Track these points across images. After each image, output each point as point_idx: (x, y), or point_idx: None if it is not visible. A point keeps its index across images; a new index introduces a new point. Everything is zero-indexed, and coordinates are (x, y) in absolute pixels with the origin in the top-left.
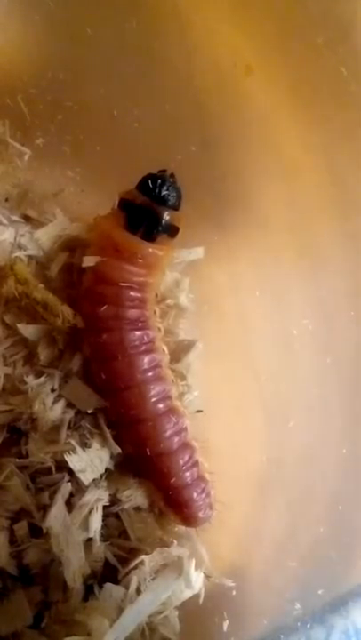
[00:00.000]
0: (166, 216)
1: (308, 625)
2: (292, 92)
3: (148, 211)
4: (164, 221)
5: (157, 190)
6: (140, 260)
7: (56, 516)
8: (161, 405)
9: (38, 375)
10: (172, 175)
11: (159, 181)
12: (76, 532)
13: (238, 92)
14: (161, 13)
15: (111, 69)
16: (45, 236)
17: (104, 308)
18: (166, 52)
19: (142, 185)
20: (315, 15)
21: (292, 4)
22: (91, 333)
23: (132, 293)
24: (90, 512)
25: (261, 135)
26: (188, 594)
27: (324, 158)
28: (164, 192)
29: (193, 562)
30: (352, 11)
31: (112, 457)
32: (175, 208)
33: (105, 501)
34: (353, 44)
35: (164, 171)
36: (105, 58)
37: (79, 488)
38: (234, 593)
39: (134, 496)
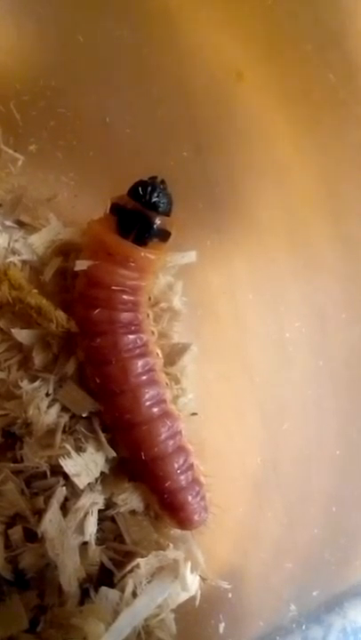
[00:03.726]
0: (157, 221)
1: (304, 626)
2: (283, 98)
3: (139, 216)
4: (155, 226)
5: (148, 197)
6: (132, 264)
7: (51, 521)
8: (155, 409)
9: (33, 380)
10: (163, 181)
11: (149, 188)
12: (71, 536)
13: (230, 98)
14: (152, 20)
15: (103, 76)
16: (39, 241)
17: (97, 311)
18: (158, 58)
19: (133, 191)
20: (304, 23)
21: (283, 12)
22: (84, 337)
23: (124, 297)
24: (85, 516)
25: (253, 139)
26: (184, 596)
27: (316, 161)
28: (154, 198)
29: (189, 564)
30: (341, 19)
31: (107, 461)
32: (166, 213)
33: (100, 505)
34: (342, 52)
35: (155, 177)
36: (97, 65)
37: (74, 492)
38: (230, 595)
39: (130, 499)
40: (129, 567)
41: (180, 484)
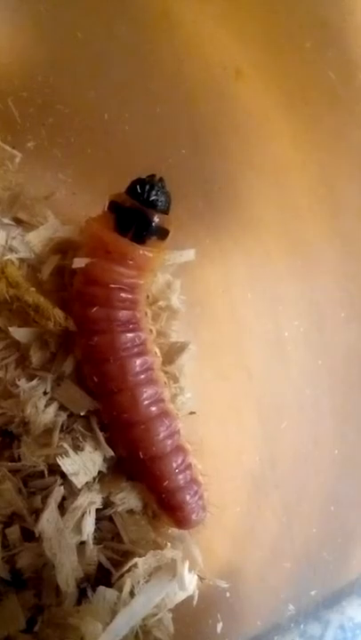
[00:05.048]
0: (156, 219)
1: (302, 626)
2: (282, 95)
3: (137, 214)
4: (153, 224)
5: (146, 195)
6: (130, 262)
7: (48, 520)
8: (153, 408)
9: (30, 378)
10: (161, 179)
11: (147, 186)
12: (68, 535)
13: (228, 95)
14: (151, 17)
15: (101, 73)
16: (37, 239)
17: (95, 309)
18: (156, 55)
19: (131, 189)
20: (303, 21)
21: (281, 10)
22: (82, 335)
23: (122, 295)
24: (82, 515)
25: (252, 137)
26: (181, 596)
27: (315, 160)
28: (152, 197)
29: (187, 564)
30: (340, 17)
31: (105, 460)
32: (164, 212)
33: (98, 504)
34: (341, 50)
35: (153, 175)
36: (95, 61)
37: (72, 491)
38: (228, 594)
39: (127, 499)
40: (127, 567)
41: (178, 483)
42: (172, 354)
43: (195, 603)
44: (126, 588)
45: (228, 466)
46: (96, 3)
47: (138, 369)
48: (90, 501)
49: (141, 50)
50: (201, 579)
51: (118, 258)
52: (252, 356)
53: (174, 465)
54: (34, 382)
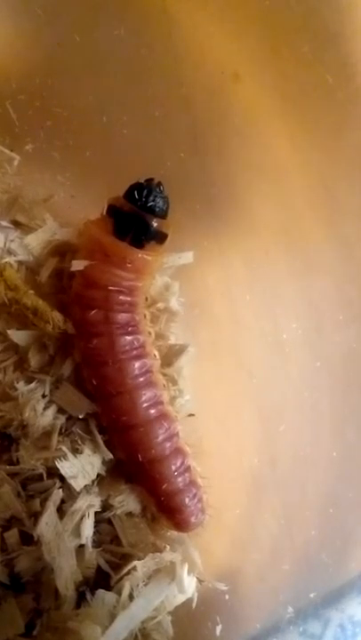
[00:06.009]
0: (154, 224)
1: (302, 625)
2: (280, 98)
3: (135, 218)
4: (151, 229)
5: (144, 200)
6: (128, 265)
7: (47, 523)
8: (152, 411)
9: (29, 381)
10: (159, 184)
11: (145, 191)
12: (67, 538)
13: (227, 99)
14: (149, 20)
15: (100, 76)
16: (35, 242)
17: (94, 312)
18: (155, 58)
19: (129, 194)
20: (301, 24)
21: (279, 14)
22: (81, 338)
23: (121, 297)
24: (81, 518)
25: (250, 140)
26: (180, 599)
27: (314, 162)
28: (150, 202)
29: (186, 566)
30: (338, 21)
31: (104, 462)
32: (162, 216)
33: (97, 507)
34: (338, 54)
35: (151, 180)
36: (94, 64)
37: (70, 494)
38: (227, 597)
39: (126, 502)
40: (126, 570)
41: (177, 486)
42: (171, 356)
43: (194, 605)
44: (125, 591)
45: (227, 467)
46: (95, 5)
47: (137, 371)
48: (89, 504)
49: (140, 53)
50: (200, 581)
51: (117, 261)
52: (252, 356)
53: (173, 468)
54: (32, 385)
